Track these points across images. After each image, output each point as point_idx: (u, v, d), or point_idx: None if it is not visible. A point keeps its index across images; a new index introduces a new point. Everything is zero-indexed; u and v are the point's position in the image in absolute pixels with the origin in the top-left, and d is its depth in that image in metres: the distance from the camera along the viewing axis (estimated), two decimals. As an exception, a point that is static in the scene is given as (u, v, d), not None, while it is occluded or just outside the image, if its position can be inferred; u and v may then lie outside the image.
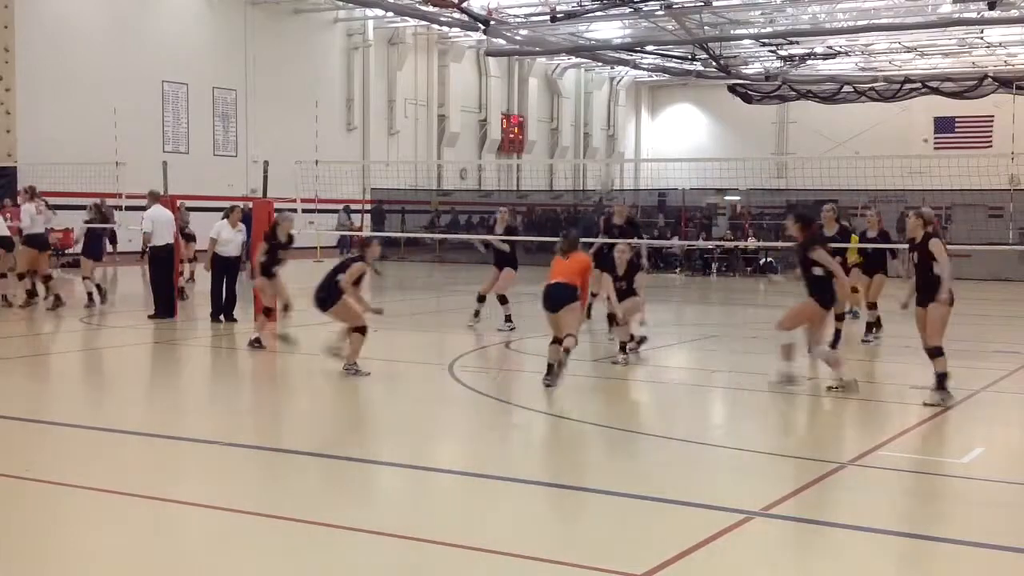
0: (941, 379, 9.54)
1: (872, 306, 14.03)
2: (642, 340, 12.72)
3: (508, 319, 14.89)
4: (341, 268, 11.03)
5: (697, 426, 9.33)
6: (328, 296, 10.91)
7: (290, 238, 13.12)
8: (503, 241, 15.27)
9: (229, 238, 15.14)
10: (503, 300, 15.08)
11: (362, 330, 10.94)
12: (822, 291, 9.92)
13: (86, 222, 18.77)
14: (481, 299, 15.19)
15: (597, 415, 9.70)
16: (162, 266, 16.10)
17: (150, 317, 15.80)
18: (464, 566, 5.46)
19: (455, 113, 42.61)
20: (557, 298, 10.30)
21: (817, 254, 9.92)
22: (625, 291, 12.29)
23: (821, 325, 10.18)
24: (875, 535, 6.10)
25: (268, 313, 13.07)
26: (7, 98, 28.25)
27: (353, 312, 11.00)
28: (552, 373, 10.22)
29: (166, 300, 16.04)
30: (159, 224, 16.08)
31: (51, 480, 6.85)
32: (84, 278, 17.76)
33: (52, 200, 26.29)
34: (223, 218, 15.30)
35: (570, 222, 33.21)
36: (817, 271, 9.87)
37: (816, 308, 9.95)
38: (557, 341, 10.28)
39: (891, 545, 5.92)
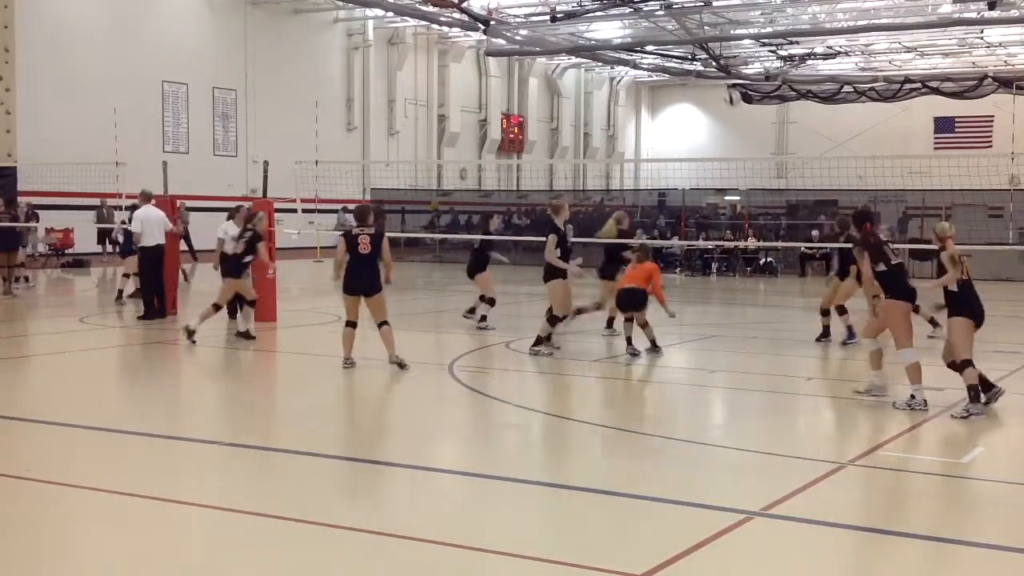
0: (969, 392, 9.19)
1: None
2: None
3: (484, 318, 15.04)
4: (374, 254, 11.34)
5: (697, 426, 9.33)
6: (376, 282, 11.37)
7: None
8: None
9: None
10: (490, 300, 15.15)
11: (387, 322, 11.39)
12: (890, 287, 9.71)
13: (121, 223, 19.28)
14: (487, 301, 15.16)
15: (597, 415, 9.71)
16: (154, 266, 16.07)
17: (139, 318, 15.80)
18: (464, 566, 5.46)
19: (455, 113, 42.61)
20: (627, 301, 12.59)
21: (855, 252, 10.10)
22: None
23: (903, 323, 9.66)
24: (875, 535, 6.10)
25: (221, 309, 13.85)
26: (7, 98, 28.24)
27: (384, 306, 11.43)
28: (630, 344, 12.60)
29: (161, 300, 16.01)
30: (149, 224, 16.04)
31: (51, 480, 6.85)
32: (125, 275, 18.41)
33: (52, 200, 26.51)
34: (228, 219, 15.37)
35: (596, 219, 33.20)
36: (880, 267, 9.77)
37: (891, 304, 9.70)
38: (629, 320, 12.71)
39: (891, 545, 5.92)
